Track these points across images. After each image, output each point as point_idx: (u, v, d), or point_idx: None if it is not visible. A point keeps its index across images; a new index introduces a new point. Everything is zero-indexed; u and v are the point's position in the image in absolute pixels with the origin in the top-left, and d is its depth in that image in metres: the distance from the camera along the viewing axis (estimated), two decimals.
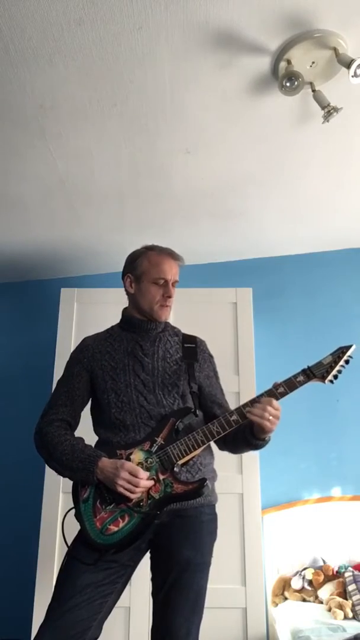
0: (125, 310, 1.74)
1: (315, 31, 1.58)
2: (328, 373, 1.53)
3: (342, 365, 1.55)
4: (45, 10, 1.47)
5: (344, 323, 2.98)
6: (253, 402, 1.50)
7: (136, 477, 1.40)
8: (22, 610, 2.34)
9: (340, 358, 1.54)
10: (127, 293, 1.72)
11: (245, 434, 1.52)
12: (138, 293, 1.67)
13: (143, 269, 1.67)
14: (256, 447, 1.55)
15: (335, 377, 1.55)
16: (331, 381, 1.55)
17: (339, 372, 1.56)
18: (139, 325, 1.68)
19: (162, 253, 1.69)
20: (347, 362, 1.56)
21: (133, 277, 1.69)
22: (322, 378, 1.53)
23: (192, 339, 1.73)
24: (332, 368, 1.54)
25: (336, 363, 1.54)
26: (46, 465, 2.35)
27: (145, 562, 1.56)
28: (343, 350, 1.56)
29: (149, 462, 1.47)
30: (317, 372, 1.53)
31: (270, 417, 1.44)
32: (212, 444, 1.62)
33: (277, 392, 1.50)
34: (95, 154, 2.12)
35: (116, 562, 1.45)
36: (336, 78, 1.73)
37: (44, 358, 2.79)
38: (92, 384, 1.64)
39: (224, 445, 1.64)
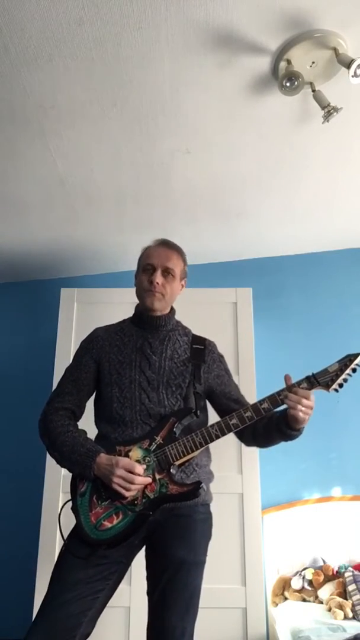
0: (136, 306, 1.77)
1: (315, 31, 1.58)
2: (333, 381, 1.46)
3: (348, 374, 1.47)
4: (45, 10, 1.47)
5: (344, 323, 2.98)
6: (254, 408, 1.49)
7: (132, 472, 1.41)
8: (22, 610, 2.34)
9: (347, 366, 1.46)
10: None
11: (280, 425, 1.50)
12: (136, 285, 1.72)
13: (140, 262, 1.73)
14: (290, 437, 1.52)
15: (341, 385, 1.48)
16: (336, 390, 1.47)
17: (345, 380, 1.48)
18: (149, 322, 1.68)
19: (156, 243, 1.74)
20: (354, 370, 1.47)
21: (136, 271, 1.74)
22: (327, 386, 1.47)
23: (201, 341, 1.73)
24: (337, 376, 1.46)
25: (342, 371, 1.46)
26: (46, 466, 2.39)
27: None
28: (351, 358, 1.48)
29: (146, 460, 1.47)
30: (321, 380, 1.47)
31: (303, 408, 1.43)
32: (234, 442, 1.61)
33: (278, 397, 1.47)
34: (95, 154, 2.12)
35: (107, 558, 1.44)
36: (336, 78, 1.73)
37: (44, 358, 2.79)
38: (98, 376, 1.65)
39: (252, 440, 1.62)
